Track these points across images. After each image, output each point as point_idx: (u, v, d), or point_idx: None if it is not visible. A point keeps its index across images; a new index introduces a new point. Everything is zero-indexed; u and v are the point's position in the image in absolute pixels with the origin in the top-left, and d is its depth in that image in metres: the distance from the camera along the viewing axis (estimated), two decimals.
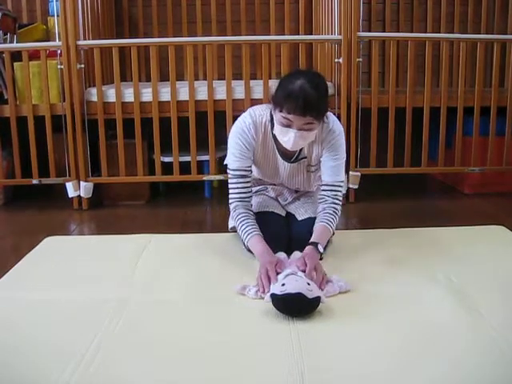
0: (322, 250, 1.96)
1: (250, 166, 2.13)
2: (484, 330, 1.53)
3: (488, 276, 1.93)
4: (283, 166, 2.17)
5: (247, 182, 2.12)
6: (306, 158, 2.14)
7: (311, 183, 2.26)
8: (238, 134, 2.08)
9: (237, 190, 2.11)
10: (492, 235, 2.40)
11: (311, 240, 1.98)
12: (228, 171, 2.14)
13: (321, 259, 1.98)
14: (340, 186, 2.13)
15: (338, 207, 2.11)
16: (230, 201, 2.13)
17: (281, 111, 1.88)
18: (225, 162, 2.16)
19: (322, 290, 1.75)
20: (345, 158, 2.13)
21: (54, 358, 1.40)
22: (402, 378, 1.32)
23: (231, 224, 2.27)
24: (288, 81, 1.89)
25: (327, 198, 2.11)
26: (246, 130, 2.06)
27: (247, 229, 2.04)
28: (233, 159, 2.09)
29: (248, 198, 2.13)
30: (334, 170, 2.10)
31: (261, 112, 2.08)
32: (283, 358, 1.40)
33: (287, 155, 2.13)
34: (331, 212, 2.08)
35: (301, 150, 2.10)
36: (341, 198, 2.14)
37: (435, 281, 1.88)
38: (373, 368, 1.36)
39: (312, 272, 1.79)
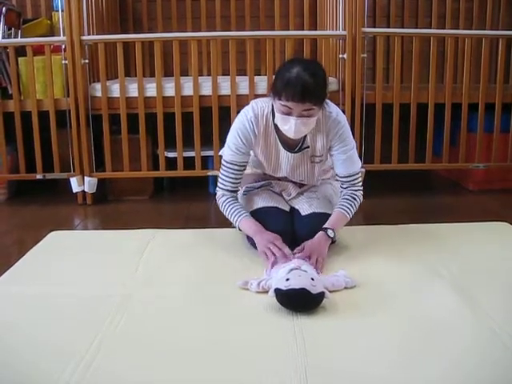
0: (332, 234, 2.01)
1: (245, 162, 2.15)
2: (486, 326, 1.53)
3: (491, 272, 1.92)
4: (286, 157, 2.16)
5: (237, 179, 2.15)
6: (308, 147, 2.14)
7: (315, 176, 2.26)
8: (238, 128, 2.09)
9: (226, 183, 2.15)
10: (496, 231, 2.40)
11: (324, 225, 2.03)
12: (222, 161, 2.16)
13: (333, 242, 2.06)
14: (357, 174, 2.15)
15: (358, 193, 2.15)
16: (217, 189, 2.17)
17: (280, 99, 1.91)
18: (220, 153, 2.18)
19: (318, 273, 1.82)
20: (355, 145, 2.14)
21: (53, 358, 1.39)
22: (404, 373, 1.32)
23: None
24: (285, 69, 1.92)
25: (345, 188, 2.15)
26: (247, 124, 2.07)
27: (236, 211, 2.09)
28: (228, 152, 2.12)
29: (235, 191, 2.18)
30: (347, 163, 2.12)
31: (263, 104, 2.10)
32: (287, 354, 1.40)
33: (290, 146, 2.14)
34: (349, 198, 2.12)
35: (304, 139, 2.11)
36: (360, 185, 2.16)
37: (438, 276, 1.88)
38: (375, 364, 1.36)
39: (314, 258, 1.90)
